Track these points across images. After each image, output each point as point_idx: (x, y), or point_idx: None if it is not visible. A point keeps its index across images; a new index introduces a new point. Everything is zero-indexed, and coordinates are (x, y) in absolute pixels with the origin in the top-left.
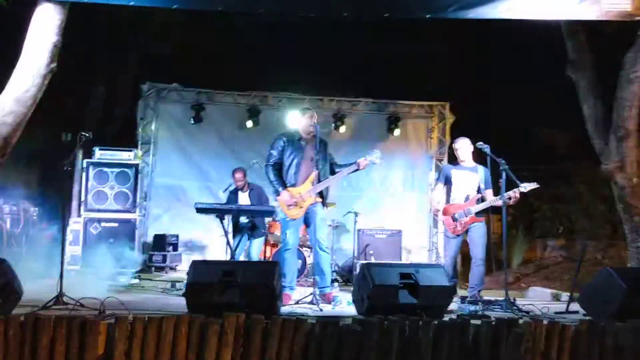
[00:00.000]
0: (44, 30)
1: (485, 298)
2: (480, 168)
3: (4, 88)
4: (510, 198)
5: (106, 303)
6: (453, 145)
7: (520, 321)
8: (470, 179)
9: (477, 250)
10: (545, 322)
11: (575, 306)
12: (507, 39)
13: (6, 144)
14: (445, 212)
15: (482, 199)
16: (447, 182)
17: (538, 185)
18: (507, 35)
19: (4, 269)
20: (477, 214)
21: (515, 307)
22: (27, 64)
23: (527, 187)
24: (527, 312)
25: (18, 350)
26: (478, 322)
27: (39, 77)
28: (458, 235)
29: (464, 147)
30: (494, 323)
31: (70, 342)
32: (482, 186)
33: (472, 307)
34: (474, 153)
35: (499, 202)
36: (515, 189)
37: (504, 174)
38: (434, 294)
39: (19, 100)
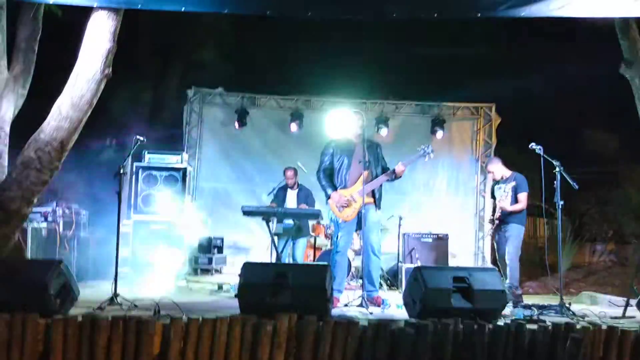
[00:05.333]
0: (98, 36)
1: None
2: (515, 176)
3: (60, 94)
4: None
5: (159, 304)
6: (487, 169)
7: (578, 326)
8: (505, 189)
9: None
10: (603, 327)
11: (631, 311)
12: (555, 36)
13: (63, 148)
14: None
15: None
16: (493, 197)
17: None
18: (555, 32)
19: (61, 270)
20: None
21: (570, 312)
22: (83, 70)
23: None
24: (583, 317)
25: (76, 349)
26: (533, 326)
27: (94, 83)
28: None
29: (495, 169)
30: (550, 328)
31: (126, 342)
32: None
33: (527, 312)
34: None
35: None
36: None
37: (558, 176)
38: (488, 297)
39: (75, 106)
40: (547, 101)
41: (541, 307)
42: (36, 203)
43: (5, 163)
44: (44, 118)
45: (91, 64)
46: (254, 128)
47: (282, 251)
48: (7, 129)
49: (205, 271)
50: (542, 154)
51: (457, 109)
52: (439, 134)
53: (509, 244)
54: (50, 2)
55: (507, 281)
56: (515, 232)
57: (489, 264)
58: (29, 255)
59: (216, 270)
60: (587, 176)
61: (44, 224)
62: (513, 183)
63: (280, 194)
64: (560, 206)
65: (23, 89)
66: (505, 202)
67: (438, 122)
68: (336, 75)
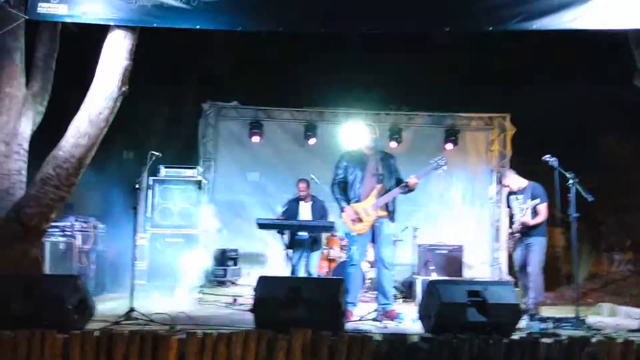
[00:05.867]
0: (115, 54)
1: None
2: (533, 187)
3: (77, 111)
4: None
5: (175, 318)
6: (502, 183)
7: (594, 340)
8: (523, 203)
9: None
10: (619, 340)
11: None
12: (569, 45)
13: (80, 164)
14: None
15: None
16: (509, 206)
17: None
18: (569, 42)
19: (78, 285)
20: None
21: (586, 325)
22: (100, 87)
23: None
24: (599, 330)
25: None
26: (549, 340)
27: (111, 100)
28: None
29: (510, 182)
30: (565, 342)
31: (143, 357)
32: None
33: (542, 325)
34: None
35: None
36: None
37: (573, 189)
38: (503, 311)
39: (92, 122)
40: (562, 110)
41: (557, 320)
42: (54, 217)
43: (24, 179)
44: (62, 135)
45: (108, 81)
46: (268, 140)
47: (296, 264)
48: (26, 145)
49: (220, 283)
50: (556, 166)
51: (471, 120)
52: (453, 144)
53: (533, 258)
54: (68, 21)
55: (532, 295)
56: (539, 246)
57: (505, 275)
58: (47, 268)
59: (231, 282)
60: (605, 185)
61: (62, 238)
62: (535, 201)
63: (292, 206)
64: (575, 219)
65: (41, 106)
66: (526, 217)
67: (452, 133)
68: (349, 87)
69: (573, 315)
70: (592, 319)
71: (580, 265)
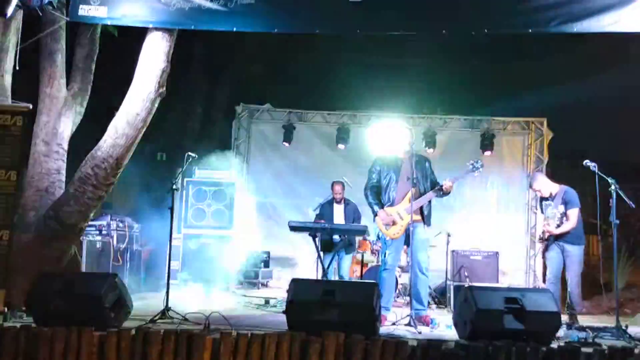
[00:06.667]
0: (153, 56)
1: (595, 325)
2: (565, 192)
3: (116, 111)
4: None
5: (209, 318)
6: (532, 188)
7: (636, 350)
8: (554, 211)
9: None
10: None
11: None
12: (608, 48)
13: (118, 164)
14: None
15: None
16: (543, 212)
17: None
18: (608, 44)
19: (116, 283)
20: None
21: (627, 335)
22: (138, 89)
23: None
24: None
25: None
26: (589, 350)
27: (148, 102)
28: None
29: (541, 186)
30: (606, 352)
31: (177, 356)
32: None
33: (582, 334)
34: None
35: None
36: None
37: (614, 194)
38: (541, 319)
39: (130, 123)
40: (601, 114)
41: (596, 330)
42: (91, 216)
43: (64, 179)
44: (101, 135)
45: (146, 83)
46: (300, 143)
47: (328, 267)
48: (66, 145)
49: (252, 285)
50: (596, 171)
51: (507, 124)
52: (489, 149)
53: (571, 269)
54: (107, 23)
55: (568, 302)
56: (577, 258)
57: (540, 282)
58: (84, 267)
59: (262, 284)
60: None
61: (99, 237)
62: (567, 206)
63: (326, 209)
64: (615, 226)
65: (80, 107)
66: (551, 226)
67: (488, 137)
68: (383, 90)
69: (612, 325)
70: (631, 329)
71: (617, 274)
